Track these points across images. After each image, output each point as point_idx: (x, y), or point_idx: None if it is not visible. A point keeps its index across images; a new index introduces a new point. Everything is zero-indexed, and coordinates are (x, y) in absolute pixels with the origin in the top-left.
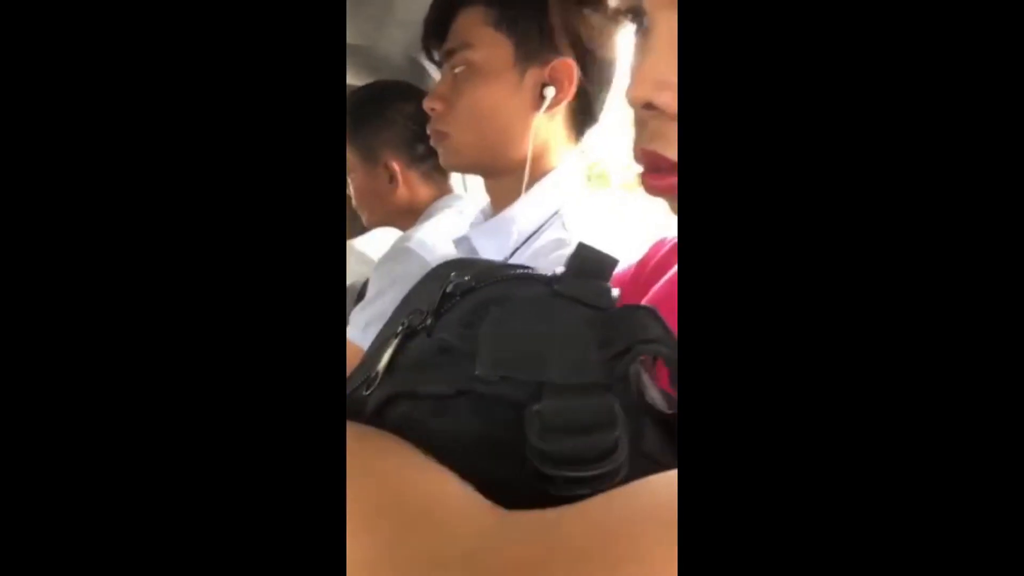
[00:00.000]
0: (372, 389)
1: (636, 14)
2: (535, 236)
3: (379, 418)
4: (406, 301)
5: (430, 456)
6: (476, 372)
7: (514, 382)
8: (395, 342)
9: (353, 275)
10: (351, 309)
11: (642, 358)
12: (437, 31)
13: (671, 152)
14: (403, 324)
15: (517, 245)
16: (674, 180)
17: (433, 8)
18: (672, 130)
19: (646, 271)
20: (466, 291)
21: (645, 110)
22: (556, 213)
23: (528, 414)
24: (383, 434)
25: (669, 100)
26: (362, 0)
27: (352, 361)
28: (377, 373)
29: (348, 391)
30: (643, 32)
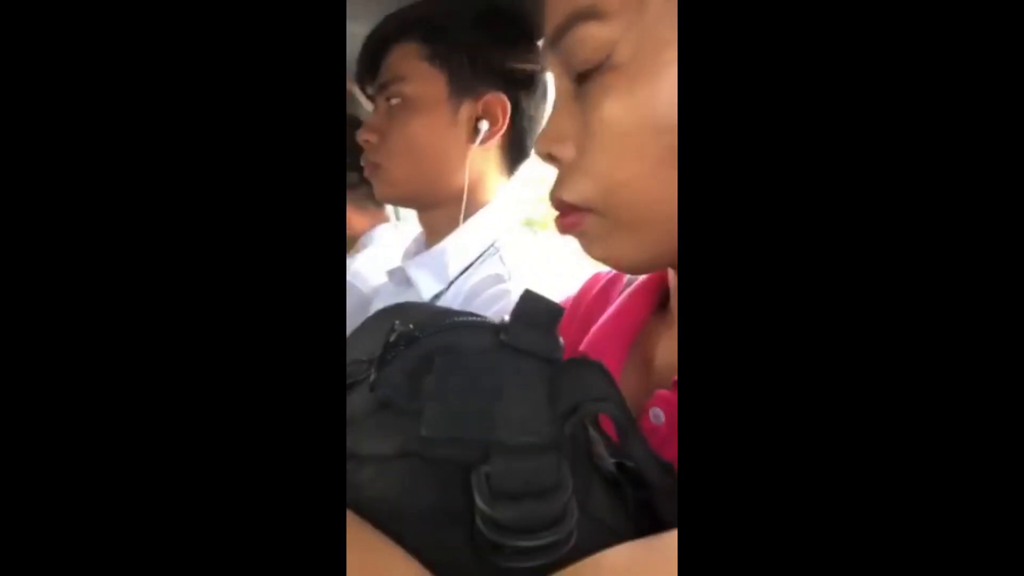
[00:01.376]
0: None
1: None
2: (471, 269)
3: None
4: (347, 348)
5: (375, 527)
6: (422, 433)
7: (461, 442)
8: None
9: None
10: None
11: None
12: (371, 64)
13: (571, 196)
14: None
15: (453, 277)
16: (576, 219)
17: (368, 42)
18: (571, 176)
19: (581, 309)
20: (410, 340)
21: (549, 161)
22: (492, 245)
23: (476, 477)
24: None
25: (566, 151)
26: None
27: None
28: None
29: None
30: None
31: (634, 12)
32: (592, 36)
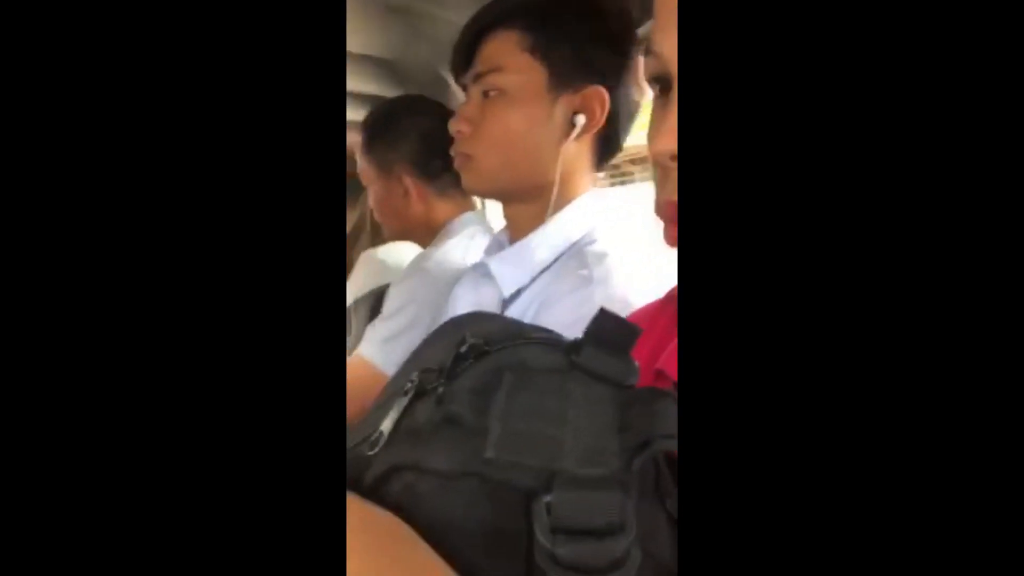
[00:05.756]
0: (376, 451)
1: (661, 80)
2: (555, 266)
3: (381, 488)
4: (417, 355)
5: (430, 544)
6: (486, 454)
7: (525, 468)
8: (403, 402)
9: (372, 283)
10: (366, 321)
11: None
12: (467, 53)
13: None
14: (412, 382)
15: (535, 275)
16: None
17: (466, 29)
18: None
19: (663, 318)
20: (480, 354)
21: (671, 162)
22: (577, 243)
23: (537, 506)
24: (387, 518)
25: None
26: (391, 15)
27: (365, 382)
28: (381, 433)
29: (350, 445)
30: (666, 93)
31: None
32: None
